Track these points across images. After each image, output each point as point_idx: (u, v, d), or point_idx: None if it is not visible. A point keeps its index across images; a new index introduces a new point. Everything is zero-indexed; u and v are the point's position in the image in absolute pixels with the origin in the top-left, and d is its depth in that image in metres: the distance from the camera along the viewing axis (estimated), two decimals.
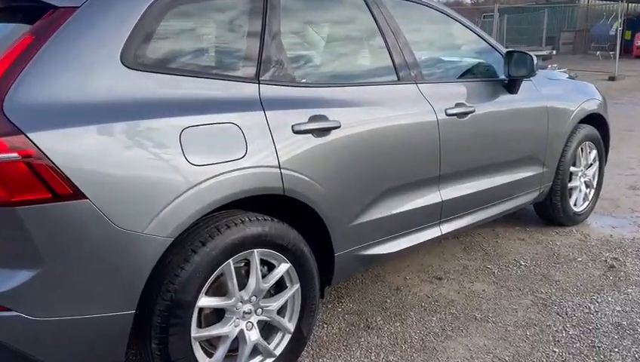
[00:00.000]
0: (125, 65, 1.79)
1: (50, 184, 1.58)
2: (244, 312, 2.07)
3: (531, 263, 3.38)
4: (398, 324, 2.69)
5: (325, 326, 2.68)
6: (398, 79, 2.66)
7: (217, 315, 2.04)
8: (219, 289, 2.01)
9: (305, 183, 2.15)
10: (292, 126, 2.12)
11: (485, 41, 3.23)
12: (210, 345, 2.04)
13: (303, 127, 2.15)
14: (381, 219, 2.54)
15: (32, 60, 1.65)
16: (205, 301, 1.95)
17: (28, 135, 1.55)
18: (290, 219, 2.18)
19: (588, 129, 3.83)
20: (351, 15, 2.63)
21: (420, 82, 2.73)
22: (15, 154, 1.53)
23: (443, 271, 3.29)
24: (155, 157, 1.77)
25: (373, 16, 2.61)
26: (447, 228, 2.92)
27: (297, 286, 2.21)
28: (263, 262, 2.12)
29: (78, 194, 1.62)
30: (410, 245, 2.74)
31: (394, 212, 2.59)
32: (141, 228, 1.73)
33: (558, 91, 3.60)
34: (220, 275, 1.98)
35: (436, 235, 2.87)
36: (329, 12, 2.62)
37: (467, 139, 2.88)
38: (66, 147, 1.61)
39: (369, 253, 2.55)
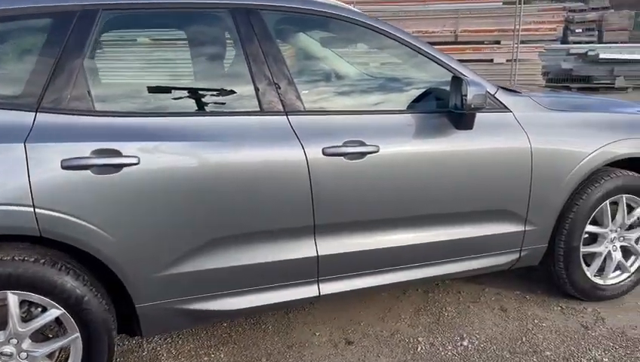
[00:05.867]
0: None
1: None
2: None
3: (478, 346, 2.63)
4: None
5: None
6: (261, 110, 2.23)
7: None
8: None
9: (75, 225, 1.93)
10: (61, 161, 1.90)
11: (435, 60, 2.52)
12: None
13: (75, 163, 1.92)
14: (212, 271, 2.18)
15: None
16: None
17: None
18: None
19: (625, 178, 2.83)
20: (204, 31, 2.26)
21: (294, 113, 2.25)
22: None
23: (364, 333, 2.74)
24: None
25: (237, 31, 2.21)
26: (332, 287, 2.41)
27: (76, 334, 2.02)
28: (36, 305, 1.97)
29: None
30: (268, 303, 2.32)
31: (234, 264, 2.21)
32: None
33: (562, 127, 2.70)
34: None
35: (311, 295, 2.38)
36: (157, 29, 2.30)
37: (362, 185, 2.32)
38: None
39: (199, 308, 2.21)
